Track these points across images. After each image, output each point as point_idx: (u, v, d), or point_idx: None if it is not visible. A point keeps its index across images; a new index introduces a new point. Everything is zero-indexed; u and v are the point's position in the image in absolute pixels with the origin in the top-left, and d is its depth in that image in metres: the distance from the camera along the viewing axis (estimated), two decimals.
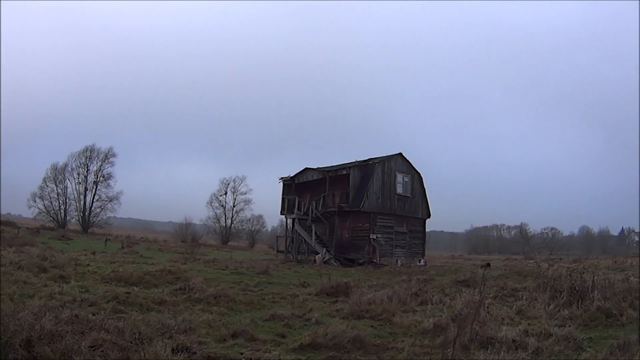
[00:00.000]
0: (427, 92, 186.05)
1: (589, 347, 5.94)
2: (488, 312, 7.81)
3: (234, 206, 58.67)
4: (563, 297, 8.62)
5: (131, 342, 4.90)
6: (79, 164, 50.72)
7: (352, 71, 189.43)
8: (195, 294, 8.78)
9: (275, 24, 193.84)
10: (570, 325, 6.82)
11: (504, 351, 5.16)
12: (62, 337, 4.76)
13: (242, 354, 5.18)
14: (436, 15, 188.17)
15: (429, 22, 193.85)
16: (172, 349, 4.79)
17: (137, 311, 7.02)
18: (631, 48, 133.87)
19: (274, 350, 5.39)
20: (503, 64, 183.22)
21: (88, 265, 13.48)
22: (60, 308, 6.20)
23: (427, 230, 33.27)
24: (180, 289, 9.35)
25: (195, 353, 4.84)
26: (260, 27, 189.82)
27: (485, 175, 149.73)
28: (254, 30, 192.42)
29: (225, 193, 58.64)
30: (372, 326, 7.03)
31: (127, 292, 8.30)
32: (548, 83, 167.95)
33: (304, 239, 28.49)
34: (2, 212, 45.83)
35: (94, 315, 5.81)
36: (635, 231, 77.85)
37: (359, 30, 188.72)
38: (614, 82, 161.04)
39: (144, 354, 4.63)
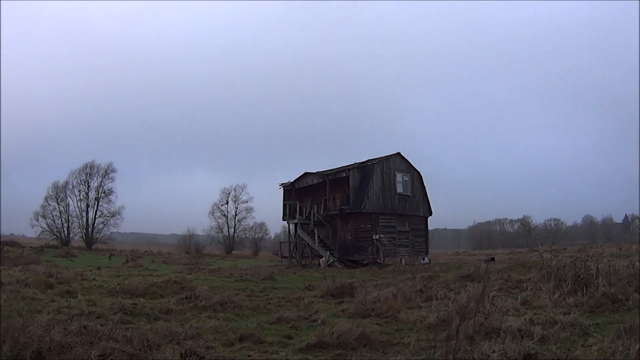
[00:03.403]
0: (430, 92, 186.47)
1: (595, 332, 5.95)
2: (493, 304, 7.83)
3: (236, 215, 58.55)
4: (568, 286, 8.63)
5: (140, 350, 4.97)
6: (79, 181, 50.88)
7: (355, 73, 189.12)
8: (201, 301, 8.82)
9: (276, 34, 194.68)
10: (575, 313, 6.82)
11: (509, 340, 5.19)
12: (71, 348, 4.86)
13: (249, 356, 5.24)
14: (444, 15, 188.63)
15: (436, 22, 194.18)
16: (181, 354, 4.85)
17: (144, 321, 7.08)
18: (633, 43, 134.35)
19: (281, 351, 5.44)
20: (508, 60, 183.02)
21: (94, 279, 13.51)
22: (68, 321, 6.27)
23: (430, 228, 33.27)
24: (186, 297, 9.39)
25: (203, 357, 4.90)
26: (261, 36, 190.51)
27: (487, 171, 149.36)
28: (255, 39, 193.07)
29: (227, 202, 58.60)
30: (377, 324, 7.08)
31: (134, 304, 8.35)
32: (551, 76, 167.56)
33: (308, 244, 28.52)
34: (6, 233, 45.94)
35: (102, 326, 5.87)
36: (639, 218, 77.35)
37: (363, 32, 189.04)
38: (615, 71, 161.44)
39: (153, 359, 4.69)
